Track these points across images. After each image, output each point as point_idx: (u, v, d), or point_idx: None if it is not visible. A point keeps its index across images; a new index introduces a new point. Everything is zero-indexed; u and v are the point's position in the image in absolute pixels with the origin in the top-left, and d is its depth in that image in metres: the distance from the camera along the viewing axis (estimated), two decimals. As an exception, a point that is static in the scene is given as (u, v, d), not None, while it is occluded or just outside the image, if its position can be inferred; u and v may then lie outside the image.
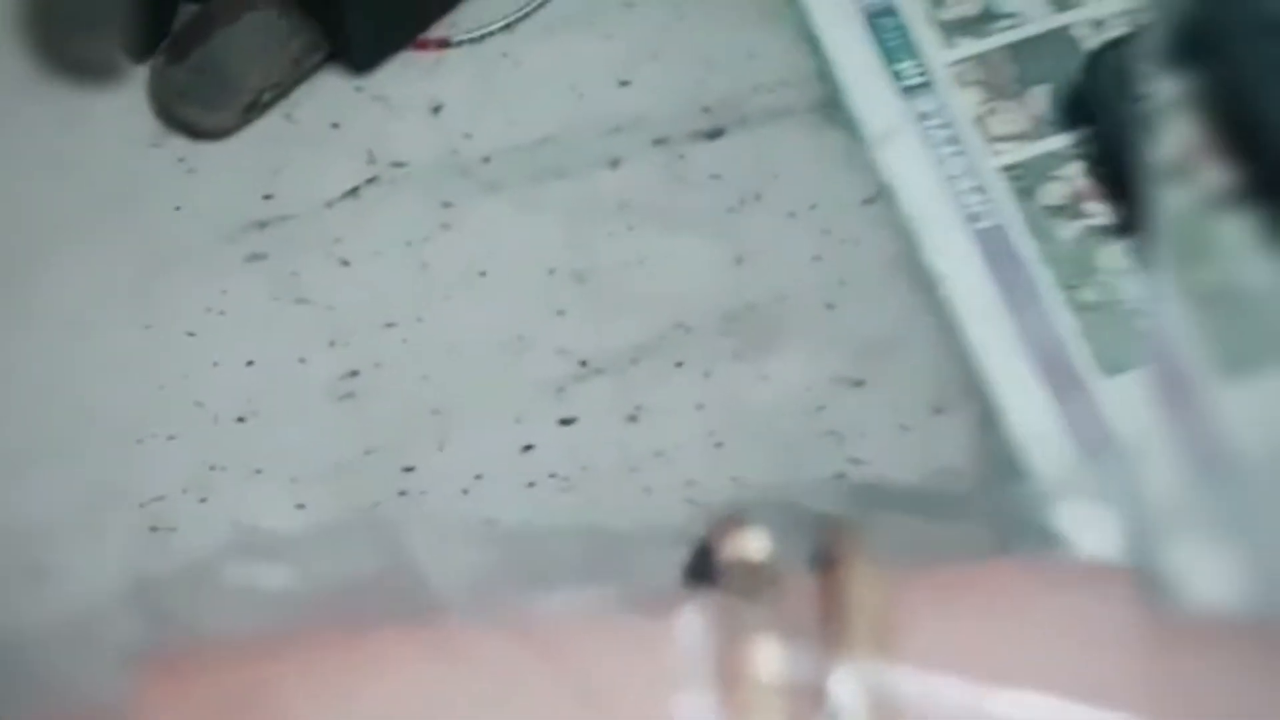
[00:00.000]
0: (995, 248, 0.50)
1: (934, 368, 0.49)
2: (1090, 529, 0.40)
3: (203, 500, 0.47)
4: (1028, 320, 0.50)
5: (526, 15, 0.53)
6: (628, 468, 0.48)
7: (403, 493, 0.47)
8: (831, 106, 0.52)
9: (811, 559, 0.35)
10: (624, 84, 0.52)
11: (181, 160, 0.51)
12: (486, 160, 0.51)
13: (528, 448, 0.48)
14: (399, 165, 0.51)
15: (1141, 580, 0.35)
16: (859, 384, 0.49)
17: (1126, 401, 0.48)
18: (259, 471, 0.48)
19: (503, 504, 0.48)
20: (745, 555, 0.35)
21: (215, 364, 0.49)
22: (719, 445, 0.48)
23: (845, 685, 0.32)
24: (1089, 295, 0.50)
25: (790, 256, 0.50)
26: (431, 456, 0.48)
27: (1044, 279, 0.50)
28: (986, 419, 0.48)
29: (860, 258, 0.50)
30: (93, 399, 0.48)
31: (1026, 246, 0.51)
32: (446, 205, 0.50)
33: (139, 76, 0.51)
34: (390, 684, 0.33)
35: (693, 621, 0.33)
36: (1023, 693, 0.33)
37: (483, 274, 0.50)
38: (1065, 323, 0.50)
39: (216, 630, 0.34)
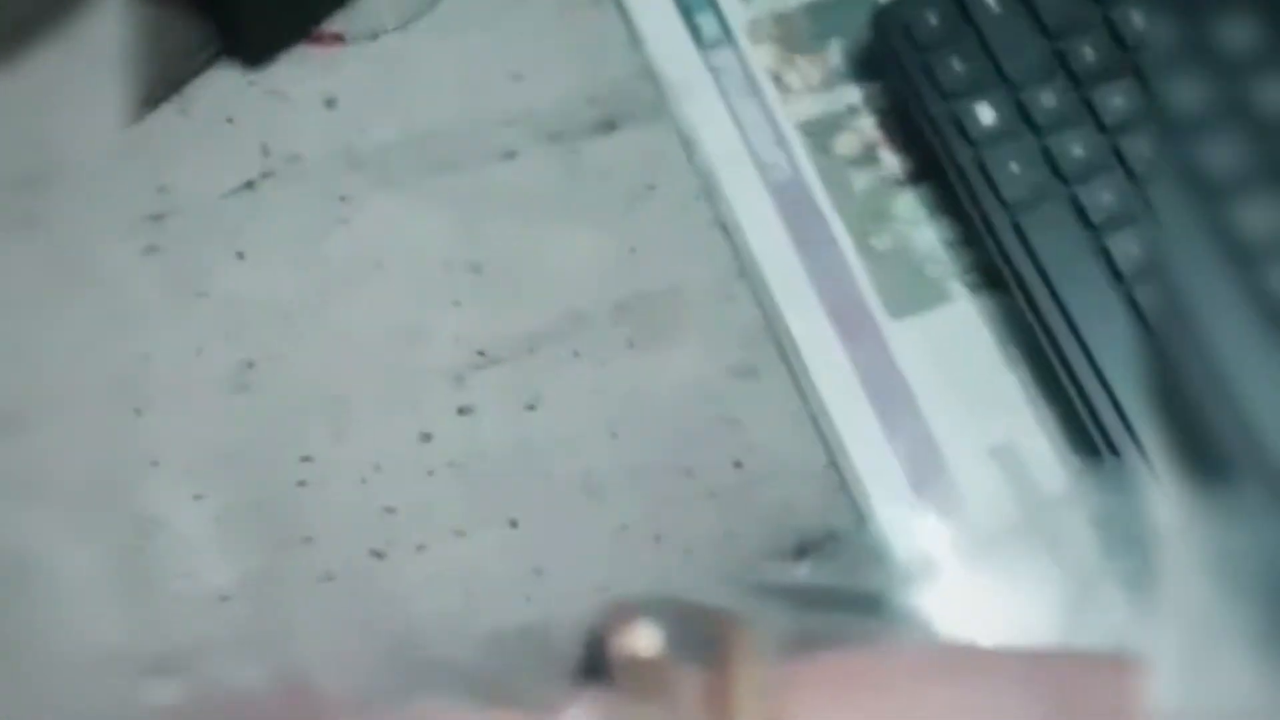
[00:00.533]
0: (791, 198, 0.52)
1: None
2: (960, 609, 0.42)
3: (101, 493, 0.47)
4: (820, 266, 0.51)
5: (421, 13, 0.53)
6: (527, 456, 0.49)
7: (301, 483, 0.48)
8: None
9: (701, 654, 0.35)
10: (516, 77, 0.53)
11: (74, 154, 0.51)
12: (381, 154, 0.51)
13: (426, 437, 0.49)
14: (294, 159, 0.51)
15: (1026, 663, 0.35)
16: (752, 373, 0.50)
17: (912, 343, 0.50)
18: (156, 463, 0.48)
19: (401, 493, 0.48)
20: (636, 651, 0.35)
21: (111, 357, 0.49)
22: (616, 434, 0.49)
23: None
24: (882, 242, 0.51)
25: (684, 247, 0.51)
26: (329, 446, 0.48)
27: (838, 227, 0.51)
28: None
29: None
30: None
31: (821, 196, 0.52)
32: (341, 198, 0.51)
33: (27, 75, 0.51)
34: None
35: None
36: None
37: (378, 266, 0.50)
38: (858, 269, 0.51)
39: None
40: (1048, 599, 0.39)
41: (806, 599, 0.39)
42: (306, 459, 0.48)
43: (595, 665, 0.35)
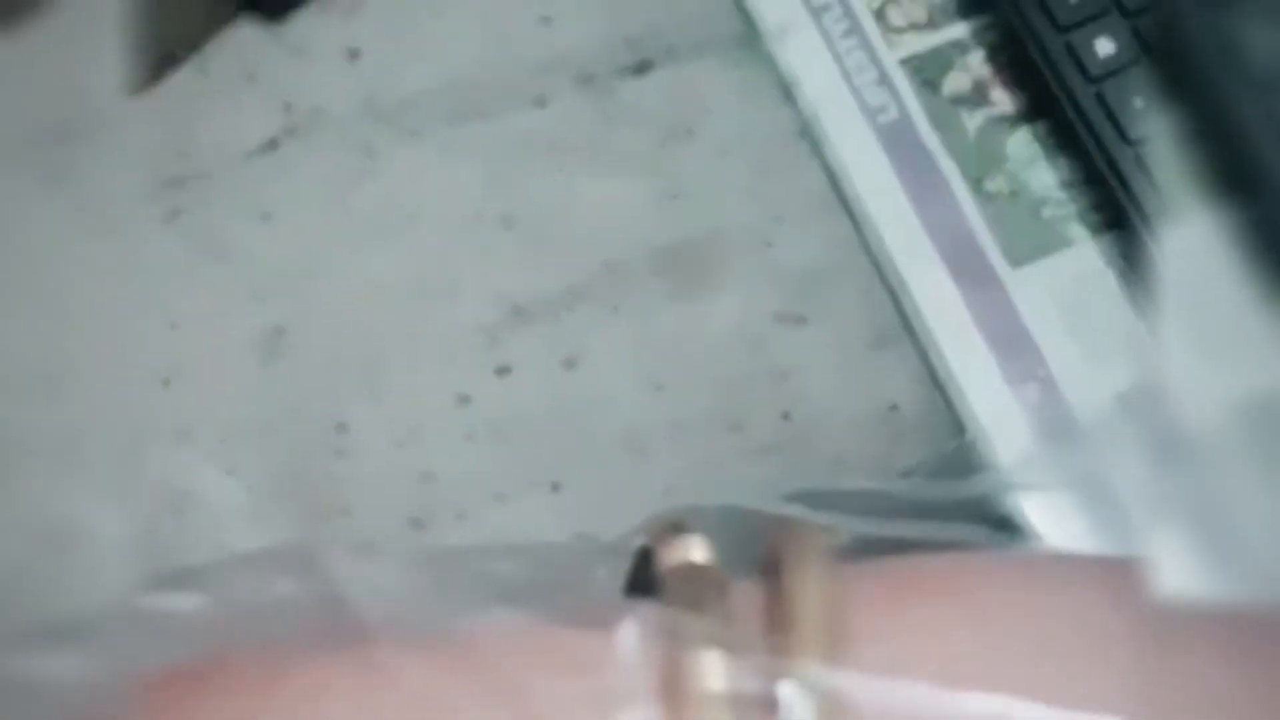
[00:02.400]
0: (899, 141, 0.50)
1: (876, 300, 0.48)
2: (1054, 519, 0.39)
3: (130, 465, 0.46)
4: (934, 213, 0.49)
5: (443, -46, 0.51)
6: (567, 416, 0.47)
7: (335, 451, 0.46)
8: (747, 33, 0.51)
9: (756, 565, 0.33)
10: (545, 21, 0.51)
11: (95, 116, 0.49)
12: (407, 105, 0.50)
13: (464, 399, 0.47)
14: (317, 115, 0.50)
15: (1117, 572, 0.33)
16: (799, 320, 0.48)
17: (1032, 292, 0.48)
18: (185, 434, 0.46)
19: (439, 459, 0.46)
20: (687, 563, 0.33)
21: (137, 327, 0.47)
22: (659, 388, 0.47)
23: (796, 695, 0.31)
24: (995, 185, 0.49)
25: (723, 193, 0.49)
26: (364, 413, 0.47)
27: (949, 171, 0.49)
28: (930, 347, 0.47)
29: (795, 192, 0.49)
30: (11, 362, 0.47)
31: (931, 138, 0.50)
32: (368, 153, 0.49)
33: (50, 31, 0.50)
34: (318, 715, 0.31)
35: (633, 635, 0.32)
36: (981, 696, 0.31)
37: (408, 222, 0.49)
38: (972, 214, 0.49)
39: (141, 662, 0.32)
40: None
41: (874, 507, 0.37)
42: (340, 426, 0.47)
43: (645, 579, 0.34)
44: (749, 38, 0.51)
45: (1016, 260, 0.48)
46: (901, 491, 0.36)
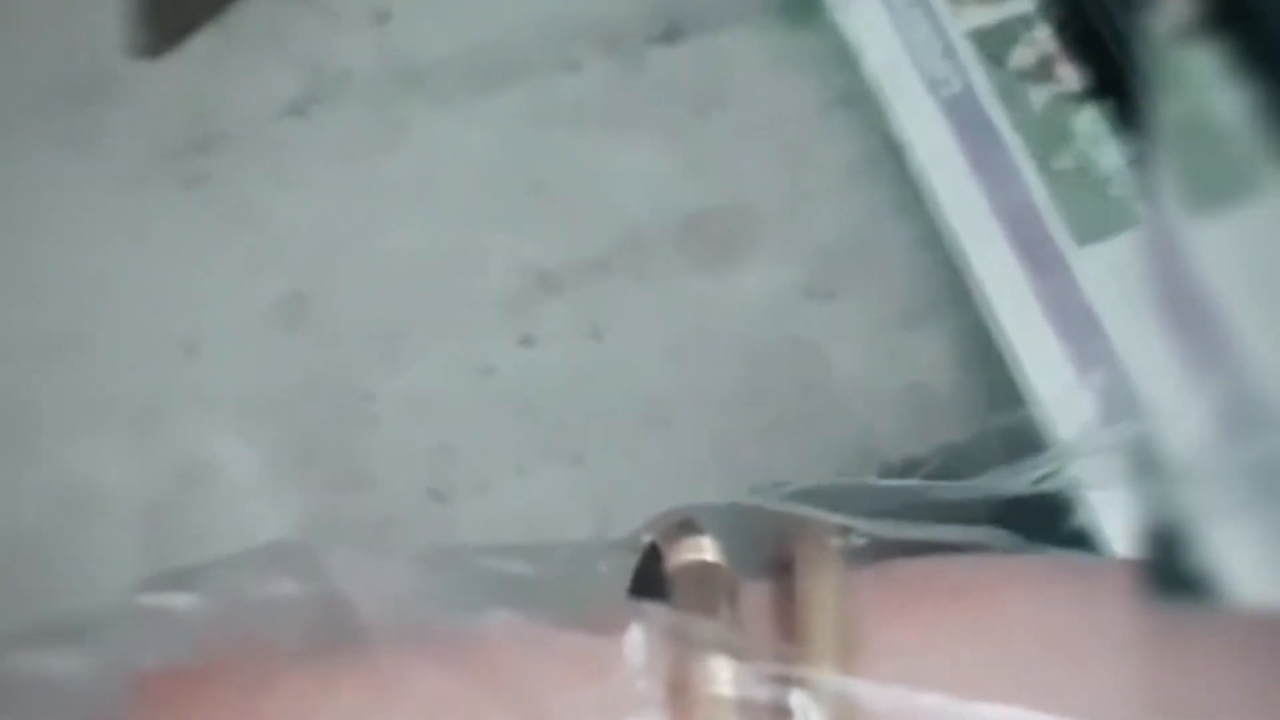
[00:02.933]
0: (964, 115, 0.48)
1: (908, 276, 0.47)
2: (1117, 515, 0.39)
3: (148, 433, 0.45)
4: (999, 190, 0.48)
5: (473, -84, 0.51)
6: (591, 388, 0.47)
7: (356, 422, 0.46)
8: (792, 5, 0.50)
9: (767, 565, 0.33)
10: (575, -15, 0.50)
11: (117, 79, 0.49)
12: (435, 70, 0.49)
13: (487, 370, 0.47)
14: (344, 79, 0.49)
15: (1142, 577, 0.33)
16: (828, 294, 0.47)
17: (1102, 272, 0.47)
18: (205, 403, 0.46)
19: (461, 430, 0.46)
20: (696, 563, 0.32)
21: (157, 292, 0.47)
22: (684, 361, 0.47)
23: (808, 704, 0.30)
24: (1063, 162, 0.48)
25: (752, 163, 0.48)
26: (386, 382, 0.46)
27: (1016, 146, 0.48)
28: (965, 325, 0.47)
29: (825, 164, 0.48)
30: (29, 325, 0.46)
31: (996, 113, 0.49)
32: (394, 118, 0.48)
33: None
34: (315, 716, 0.31)
35: (641, 638, 0.31)
36: (998, 707, 0.30)
37: (433, 189, 0.48)
38: (1039, 191, 0.48)
39: (139, 661, 0.32)
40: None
41: (890, 505, 0.36)
42: (362, 396, 0.46)
43: (653, 578, 0.33)
44: (786, 7, 0.50)
45: (1083, 239, 0.47)
46: (919, 490, 0.35)
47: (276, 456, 0.45)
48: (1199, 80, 0.43)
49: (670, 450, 0.46)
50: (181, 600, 0.32)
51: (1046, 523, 0.37)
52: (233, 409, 0.46)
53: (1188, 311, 0.40)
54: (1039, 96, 0.49)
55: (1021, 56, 0.49)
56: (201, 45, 0.49)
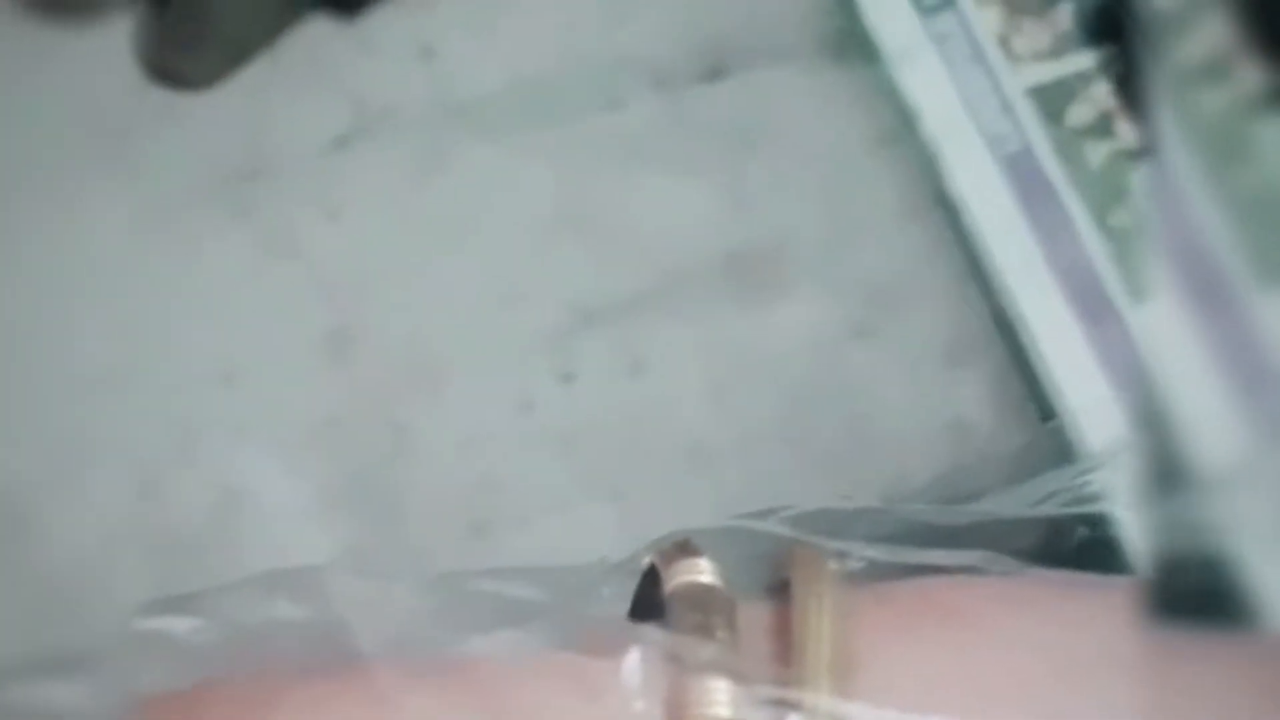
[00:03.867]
0: (1022, 172, 0.48)
1: (948, 317, 0.47)
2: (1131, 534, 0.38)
3: (188, 462, 0.46)
4: (1056, 245, 0.47)
5: (521, -48, 0.51)
6: (631, 425, 0.46)
7: (396, 456, 0.46)
8: (839, 44, 0.50)
9: (765, 589, 0.33)
10: (621, 22, 0.50)
11: (164, 111, 0.49)
12: (479, 105, 0.49)
13: (527, 405, 0.47)
14: (389, 113, 0.49)
15: (1153, 596, 0.32)
16: (869, 333, 0.47)
17: (1159, 329, 0.46)
18: (245, 433, 0.46)
19: (501, 465, 0.46)
20: (694, 585, 0.32)
21: (199, 322, 0.47)
22: (724, 398, 0.46)
23: None
24: (1120, 219, 0.48)
25: (795, 201, 0.48)
26: (426, 415, 0.46)
27: (1074, 203, 0.48)
28: (1006, 367, 0.46)
29: (868, 203, 0.48)
30: (73, 355, 0.47)
31: (1054, 170, 0.48)
32: (438, 153, 0.49)
33: (117, 21, 0.49)
34: None
35: (639, 661, 0.31)
36: None
37: (476, 225, 0.48)
38: (1096, 247, 0.47)
39: (141, 686, 0.32)
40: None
41: (886, 529, 0.36)
42: (401, 430, 0.46)
43: (652, 601, 0.33)
44: (832, 47, 0.50)
45: (1141, 295, 0.47)
46: (917, 514, 0.35)
47: (315, 489, 0.45)
48: (1270, 152, 0.43)
49: (710, 487, 0.46)
50: (181, 625, 0.32)
51: (1049, 543, 0.37)
52: (272, 440, 0.46)
53: (1249, 374, 0.40)
54: (1097, 153, 0.49)
55: (1080, 113, 0.49)
56: (248, 78, 0.49)
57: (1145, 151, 0.48)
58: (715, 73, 0.49)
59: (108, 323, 0.47)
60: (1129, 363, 0.46)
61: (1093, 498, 0.38)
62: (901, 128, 0.48)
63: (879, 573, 0.33)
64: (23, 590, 0.44)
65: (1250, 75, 0.43)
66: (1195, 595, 0.33)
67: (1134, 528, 0.40)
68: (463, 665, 0.31)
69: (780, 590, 0.32)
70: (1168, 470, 0.36)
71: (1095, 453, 0.44)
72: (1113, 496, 0.38)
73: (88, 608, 0.44)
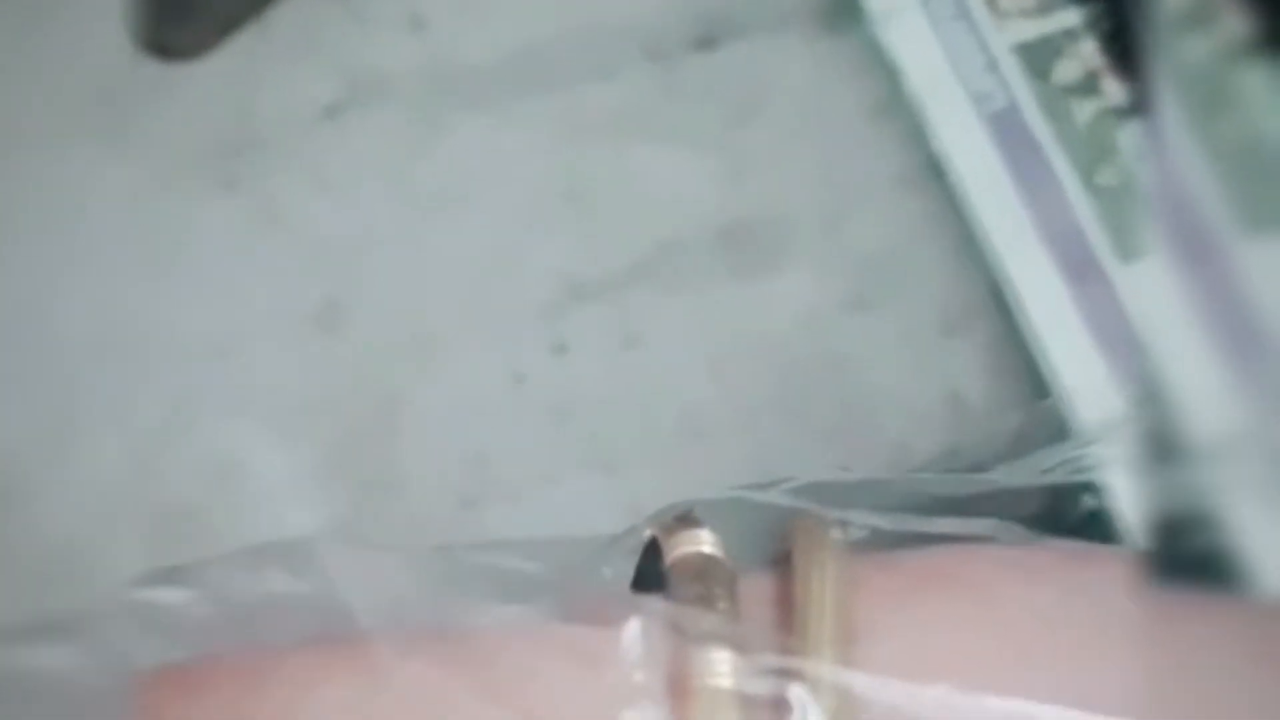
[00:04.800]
0: (1007, 129, 0.48)
1: (944, 287, 0.47)
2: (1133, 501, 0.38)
3: (181, 434, 0.45)
4: (1043, 205, 0.47)
5: (512, -79, 0.50)
6: (625, 397, 0.46)
7: (387, 428, 0.46)
8: (836, 11, 0.49)
9: (767, 560, 0.32)
10: (615, -9, 0.50)
11: (154, 83, 0.49)
12: (470, 75, 0.49)
13: (520, 378, 0.46)
14: (380, 83, 0.49)
15: (1151, 561, 0.32)
16: (865, 305, 0.47)
17: (1146, 289, 0.46)
18: (238, 407, 0.46)
19: (493, 438, 0.46)
20: (695, 556, 0.32)
21: (191, 294, 0.47)
22: (719, 371, 0.46)
23: (807, 697, 0.30)
24: (1107, 178, 0.48)
25: (790, 172, 0.48)
26: (418, 387, 0.46)
27: (1059, 162, 0.48)
28: (1002, 336, 0.46)
29: (865, 172, 0.48)
30: (64, 328, 0.46)
31: (1040, 128, 0.48)
32: (429, 123, 0.48)
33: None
34: (309, 712, 0.30)
35: (640, 631, 0.31)
36: (1000, 699, 0.30)
37: (467, 195, 0.48)
38: (1083, 207, 0.47)
39: (136, 658, 0.32)
40: None
41: (889, 499, 0.36)
42: (393, 402, 0.46)
43: (654, 573, 0.33)
44: (825, 15, 0.49)
45: (1127, 255, 0.47)
46: (921, 484, 0.35)
47: (307, 461, 0.45)
48: (1251, 100, 0.42)
49: (704, 460, 0.46)
50: (176, 596, 0.31)
51: (1054, 513, 0.37)
52: (264, 412, 0.46)
53: (1231, 323, 0.40)
54: (1083, 111, 0.48)
55: (1066, 71, 0.49)
56: (237, 48, 0.49)
57: (1137, 106, 0.48)
58: (708, 42, 0.49)
59: (99, 296, 0.47)
60: (1115, 322, 0.46)
61: (1093, 467, 0.38)
62: (896, 95, 0.48)
63: (883, 542, 0.33)
64: (16, 562, 0.44)
65: (1233, 22, 0.42)
66: (1193, 559, 0.32)
67: (1131, 495, 0.40)
68: (460, 636, 0.31)
69: (783, 561, 0.32)
70: (1162, 435, 0.36)
71: (1092, 423, 0.43)
72: (1112, 465, 0.38)
73: (82, 579, 0.44)
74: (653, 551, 0.33)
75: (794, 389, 0.46)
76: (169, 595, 0.32)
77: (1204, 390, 0.38)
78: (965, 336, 0.46)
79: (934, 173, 0.47)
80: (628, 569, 0.33)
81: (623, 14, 0.49)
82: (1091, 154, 0.48)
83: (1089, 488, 0.39)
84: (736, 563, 0.32)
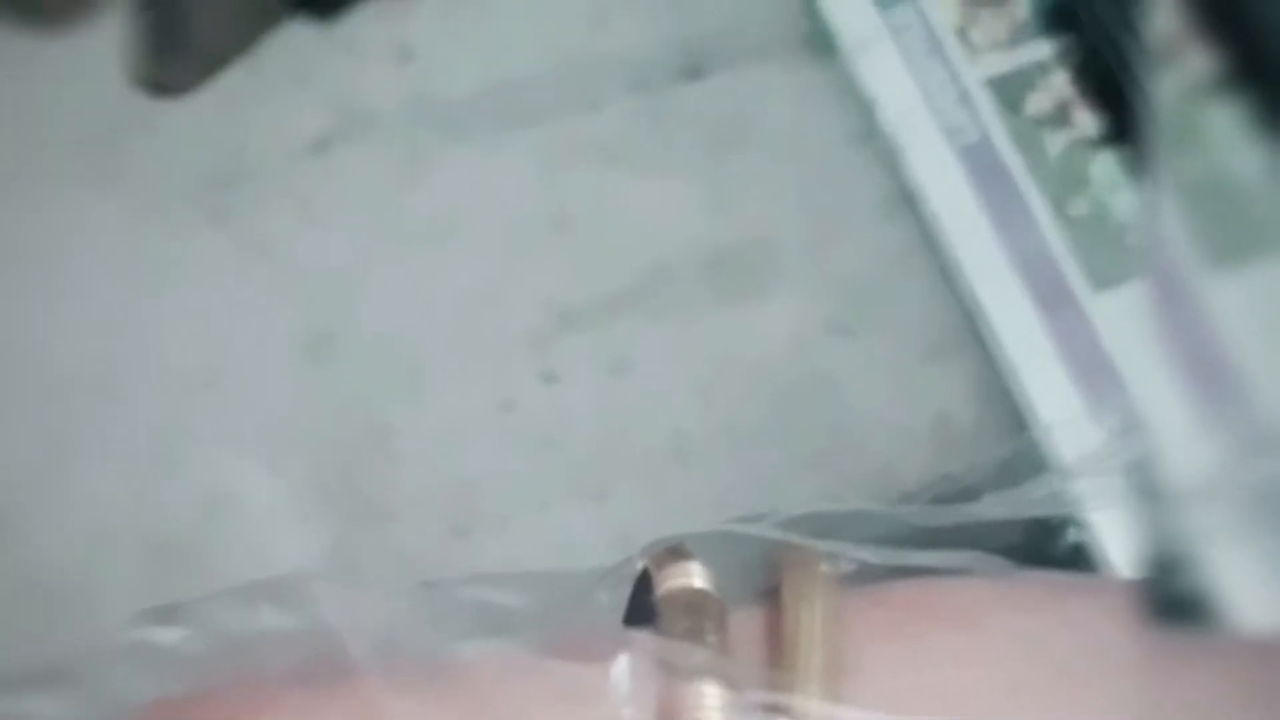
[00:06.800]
0: (980, 162, 0.48)
1: (929, 312, 0.47)
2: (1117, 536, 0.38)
3: (171, 465, 0.45)
4: (1016, 236, 0.47)
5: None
6: (614, 424, 0.46)
7: (377, 457, 0.46)
8: (816, 42, 0.50)
9: (756, 593, 0.32)
10: (599, 23, 0.50)
11: (144, 118, 0.49)
12: (458, 107, 0.49)
13: (508, 405, 0.46)
14: (367, 116, 0.49)
15: (1138, 598, 0.32)
16: (850, 330, 0.47)
17: (1118, 318, 0.47)
18: (228, 437, 0.46)
19: (483, 466, 0.46)
20: (685, 590, 0.32)
21: (181, 327, 0.47)
22: (707, 397, 0.46)
23: None
24: (1079, 208, 0.48)
25: (775, 200, 0.48)
26: (408, 418, 0.46)
27: (1032, 193, 0.48)
28: (985, 361, 0.46)
29: (848, 199, 0.48)
30: (55, 360, 0.46)
31: (1013, 159, 0.48)
32: (417, 155, 0.49)
33: (99, 30, 0.49)
34: None
35: (628, 665, 0.31)
36: None
37: (455, 226, 0.48)
38: (1055, 238, 0.48)
39: (130, 698, 0.32)
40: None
41: (879, 531, 0.36)
42: (384, 432, 0.46)
43: (643, 608, 0.33)
44: (808, 45, 0.50)
45: (1099, 285, 0.47)
46: (908, 516, 0.35)
47: (298, 491, 0.45)
48: (1217, 136, 0.43)
49: (693, 486, 0.46)
50: (170, 635, 0.32)
51: (1039, 545, 0.37)
52: (254, 443, 0.46)
53: (1199, 357, 0.40)
54: (1055, 143, 0.49)
55: (1038, 103, 0.49)
56: (227, 83, 0.49)
57: (1108, 137, 0.48)
58: (693, 72, 0.49)
59: (89, 328, 0.47)
60: (1088, 350, 0.46)
61: (1077, 502, 0.38)
62: (876, 123, 0.48)
63: (872, 574, 0.33)
64: (7, 592, 0.44)
65: (1198, 60, 0.43)
66: (1176, 598, 0.33)
67: (1112, 530, 0.40)
68: (450, 672, 0.31)
69: (773, 594, 0.32)
70: (1140, 470, 0.36)
71: (1072, 455, 0.44)
72: (1092, 500, 0.38)
73: (74, 611, 0.44)
74: (644, 584, 0.33)
75: (781, 414, 0.46)
76: (164, 635, 0.32)
77: (1176, 428, 0.39)
78: (951, 361, 0.47)
79: (915, 199, 0.48)
80: (620, 600, 0.33)
81: (608, 47, 0.50)
82: (1063, 185, 0.48)
83: (1073, 521, 0.39)
84: (727, 596, 0.32)
